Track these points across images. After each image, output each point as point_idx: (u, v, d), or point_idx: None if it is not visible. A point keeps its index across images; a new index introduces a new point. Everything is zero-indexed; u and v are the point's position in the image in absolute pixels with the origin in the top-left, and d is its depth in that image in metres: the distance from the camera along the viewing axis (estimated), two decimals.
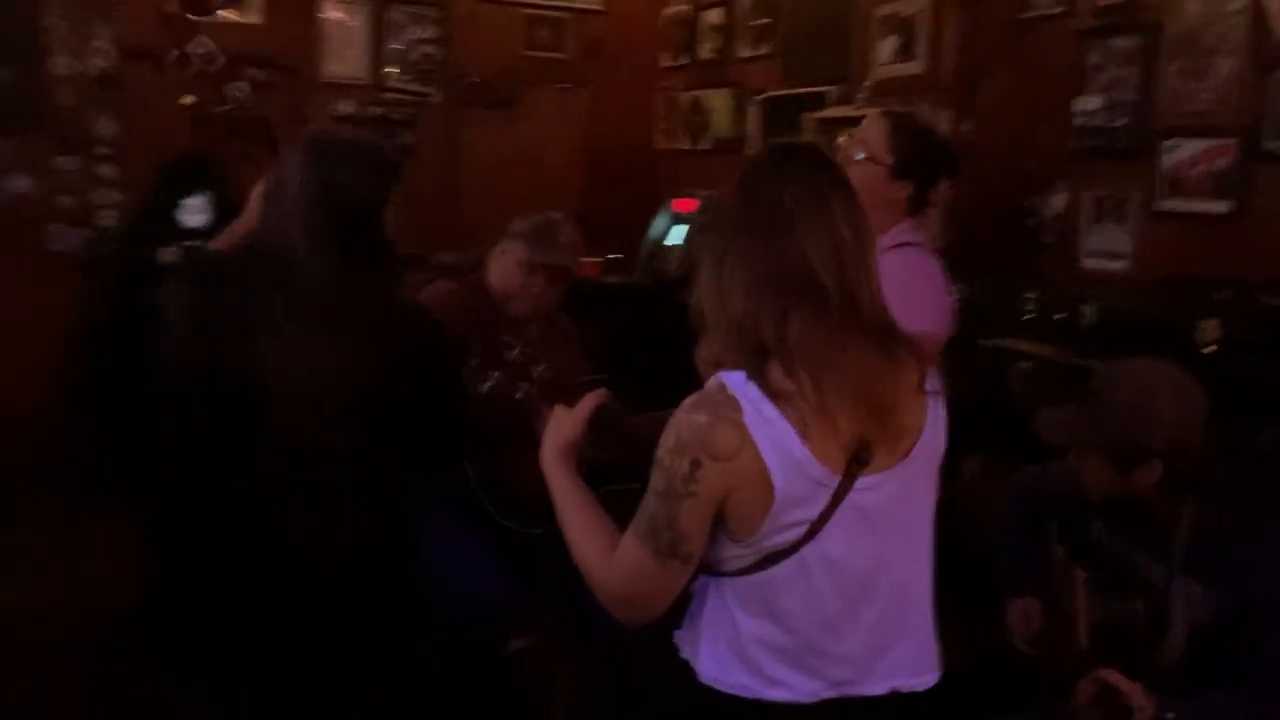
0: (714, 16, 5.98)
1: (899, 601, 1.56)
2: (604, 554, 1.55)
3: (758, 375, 1.45)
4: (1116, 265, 3.78)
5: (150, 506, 2.02)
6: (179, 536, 1.91)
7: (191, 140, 4.67)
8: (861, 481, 1.47)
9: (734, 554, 1.51)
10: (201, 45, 4.80)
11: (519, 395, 1.72)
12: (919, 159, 2.45)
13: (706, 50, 6.07)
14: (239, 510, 1.84)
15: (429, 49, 6.12)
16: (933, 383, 1.55)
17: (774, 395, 1.44)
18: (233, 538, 1.84)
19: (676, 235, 5.48)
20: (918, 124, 2.56)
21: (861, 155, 2.43)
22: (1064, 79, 3.94)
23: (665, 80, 6.49)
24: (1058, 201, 3.98)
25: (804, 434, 1.43)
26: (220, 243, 2.50)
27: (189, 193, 3.97)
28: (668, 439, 1.48)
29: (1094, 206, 3.86)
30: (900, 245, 2.43)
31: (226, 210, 3.42)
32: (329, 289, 1.86)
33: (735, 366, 1.48)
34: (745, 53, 5.72)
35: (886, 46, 4.41)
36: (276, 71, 5.56)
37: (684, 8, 6.26)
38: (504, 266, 2.90)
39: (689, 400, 1.49)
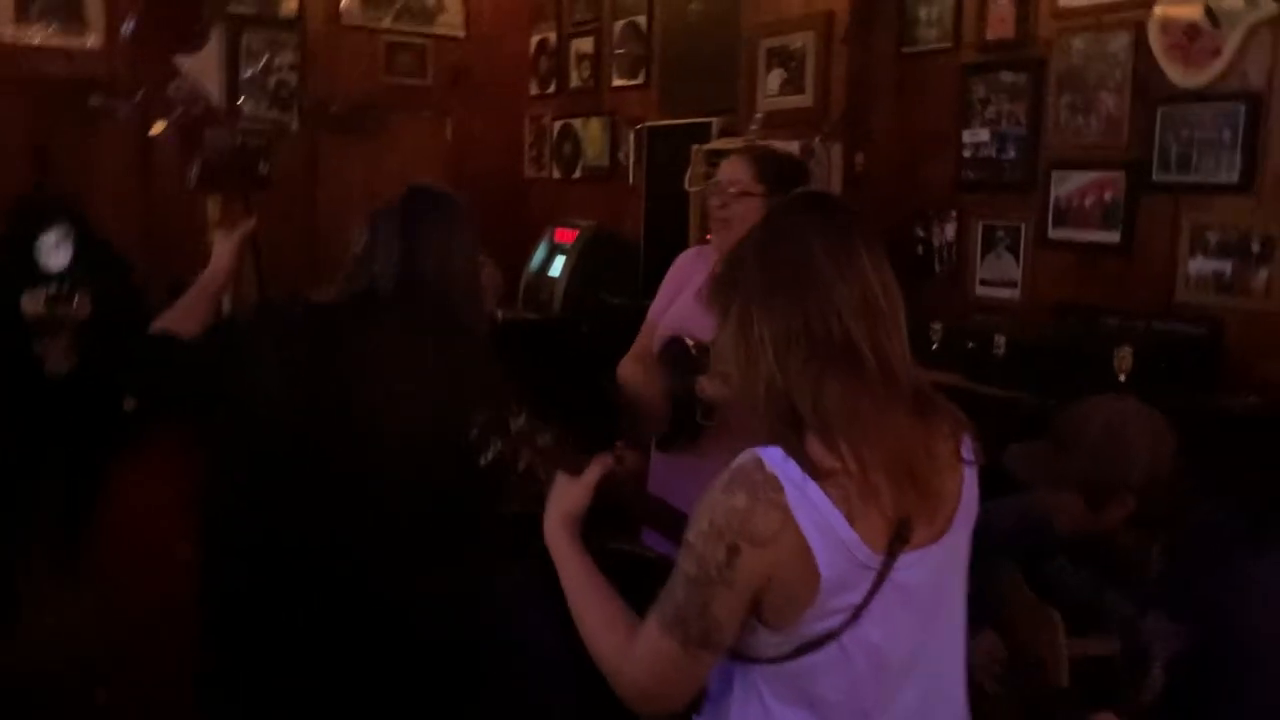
0: (584, 45, 5.93)
1: (938, 681, 1.48)
2: (622, 642, 1.41)
3: (796, 450, 1.34)
4: (1007, 293, 3.88)
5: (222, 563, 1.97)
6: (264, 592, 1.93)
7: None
8: (903, 559, 1.38)
9: (769, 641, 1.39)
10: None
11: (522, 466, 1.61)
12: (786, 182, 2.51)
13: (577, 79, 6.00)
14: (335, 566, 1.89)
15: (286, 75, 5.86)
16: (968, 451, 1.48)
17: (816, 473, 1.33)
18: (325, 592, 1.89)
19: (558, 266, 5.39)
20: (771, 152, 2.70)
21: (735, 190, 2.51)
22: (951, 112, 4.04)
23: (533, 108, 6.40)
24: (949, 231, 4.08)
25: (849, 514, 1.33)
26: (193, 299, 2.31)
27: (45, 230, 3.67)
28: (700, 522, 1.36)
29: (985, 236, 3.96)
30: None
31: (87, 248, 3.18)
32: (443, 336, 2.00)
33: (770, 439, 1.37)
34: (618, 82, 5.68)
35: (774, 79, 4.43)
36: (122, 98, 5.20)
37: (551, 35, 6.18)
38: None
39: (723, 479, 1.36)
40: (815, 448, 1.35)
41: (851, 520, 1.33)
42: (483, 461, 1.62)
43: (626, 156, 5.59)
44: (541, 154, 6.35)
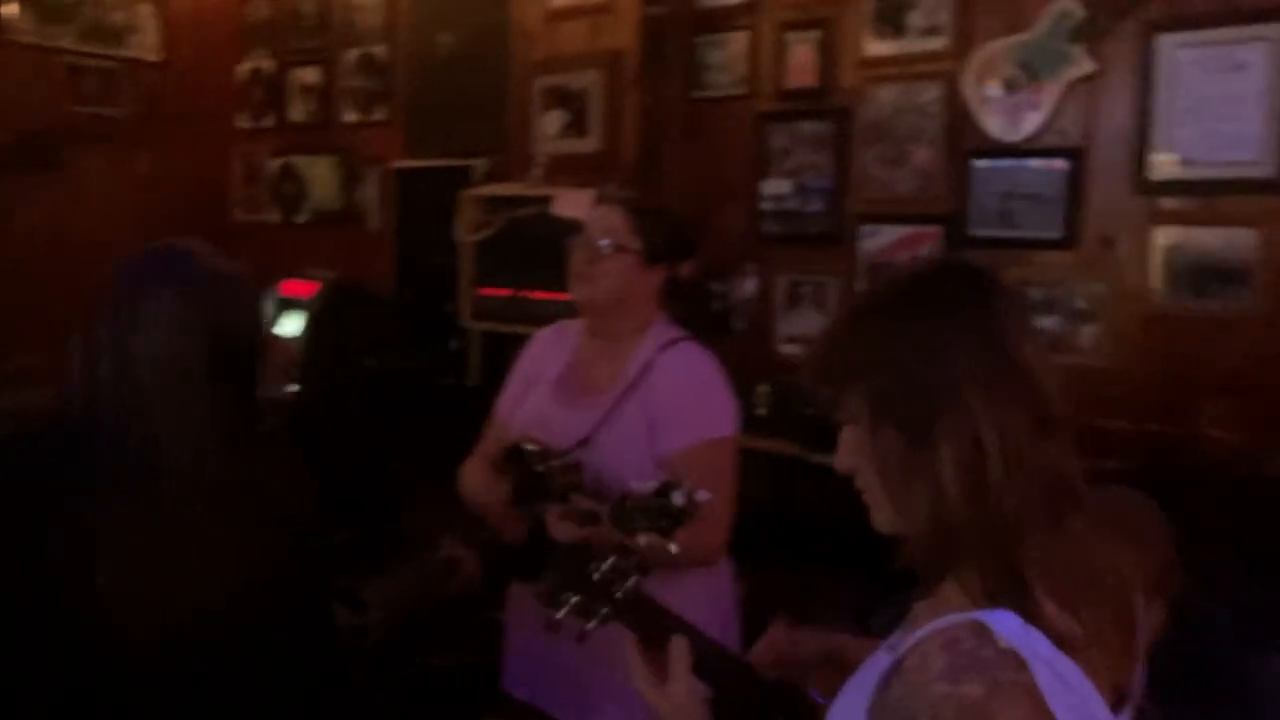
0: (308, 76, 5.32)
1: None
2: None
3: (1035, 613, 1.02)
4: None
5: None
6: None
7: None
8: None
9: None
10: None
11: (593, 625, 1.19)
12: (666, 242, 2.22)
13: (300, 112, 5.38)
14: None
15: None
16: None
17: (1063, 643, 1.02)
18: None
19: (290, 325, 4.73)
20: (651, 204, 2.34)
21: (607, 243, 2.17)
22: (747, 161, 3.85)
23: (244, 144, 5.68)
24: (749, 286, 3.87)
25: (1101, 693, 1.04)
26: None
27: None
28: None
29: (788, 291, 3.78)
30: (673, 342, 2.20)
31: None
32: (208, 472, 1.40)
33: (988, 598, 1.04)
34: (352, 117, 5.13)
35: (552, 120, 4.08)
36: None
37: (266, 64, 5.52)
38: None
39: (941, 664, 1.01)
40: (1052, 609, 1.03)
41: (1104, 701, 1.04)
42: (556, 620, 1.21)
43: (365, 199, 5.03)
44: (255, 195, 5.65)
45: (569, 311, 3.83)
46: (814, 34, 3.66)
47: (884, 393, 1.10)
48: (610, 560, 1.23)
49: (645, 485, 1.72)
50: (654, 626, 1.22)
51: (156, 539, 1.36)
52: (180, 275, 1.50)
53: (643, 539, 1.71)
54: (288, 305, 4.84)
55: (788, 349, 3.77)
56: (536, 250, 3.93)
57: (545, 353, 2.35)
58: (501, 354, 4.26)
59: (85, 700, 1.37)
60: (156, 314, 1.44)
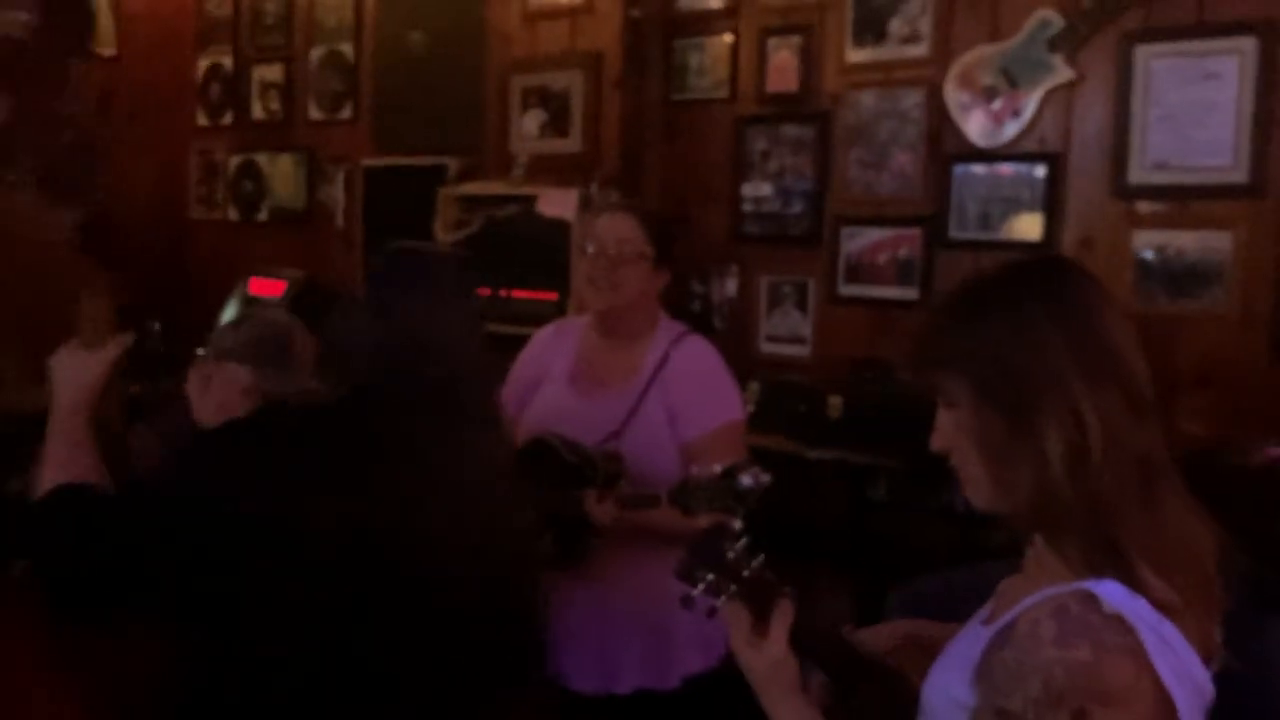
0: (270, 73, 5.26)
1: None
2: None
3: (1136, 582, 1.09)
4: (796, 350, 3.79)
5: None
6: None
7: None
8: None
9: None
10: None
11: (722, 601, 1.25)
12: (667, 246, 2.33)
13: (261, 110, 5.31)
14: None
15: None
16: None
17: (1165, 608, 1.08)
18: None
19: None
20: (653, 210, 2.54)
21: (628, 251, 2.25)
22: (727, 163, 3.91)
23: (202, 141, 5.60)
24: (729, 286, 3.93)
25: (1196, 652, 1.10)
26: (65, 438, 1.61)
27: None
28: (1029, 685, 1.06)
29: (770, 291, 3.85)
30: (681, 336, 2.33)
31: None
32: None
33: (1090, 569, 1.10)
34: (317, 115, 5.08)
35: (530, 120, 4.09)
36: None
37: (226, 60, 5.44)
38: (217, 396, 2.15)
39: (1051, 630, 1.07)
40: (1149, 576, 1.10)
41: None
42: (691, 596, 1.27)
43: (330, 198, 4.99)
44: (213, 192, 5.56)
45: (548, 310, 3.89)
46: (795, 39, 3.73)
47: (987, 378, 1.16)
48: (743, 540, 1.28)
49: (708, 469, 1.83)
50: (769, 603, 1.26)
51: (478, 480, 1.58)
52: (430, 264, 1.73)
53: (704, 519, 1.79)
54: (256, 303, 4.79)
55: (769, 348, 3.84)
56: (516, 249, 3.95)
57: (547, 351, 2.41)
58: None
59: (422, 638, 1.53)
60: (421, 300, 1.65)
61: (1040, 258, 1.32)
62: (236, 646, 1.44)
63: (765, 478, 1.76)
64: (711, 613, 1.28)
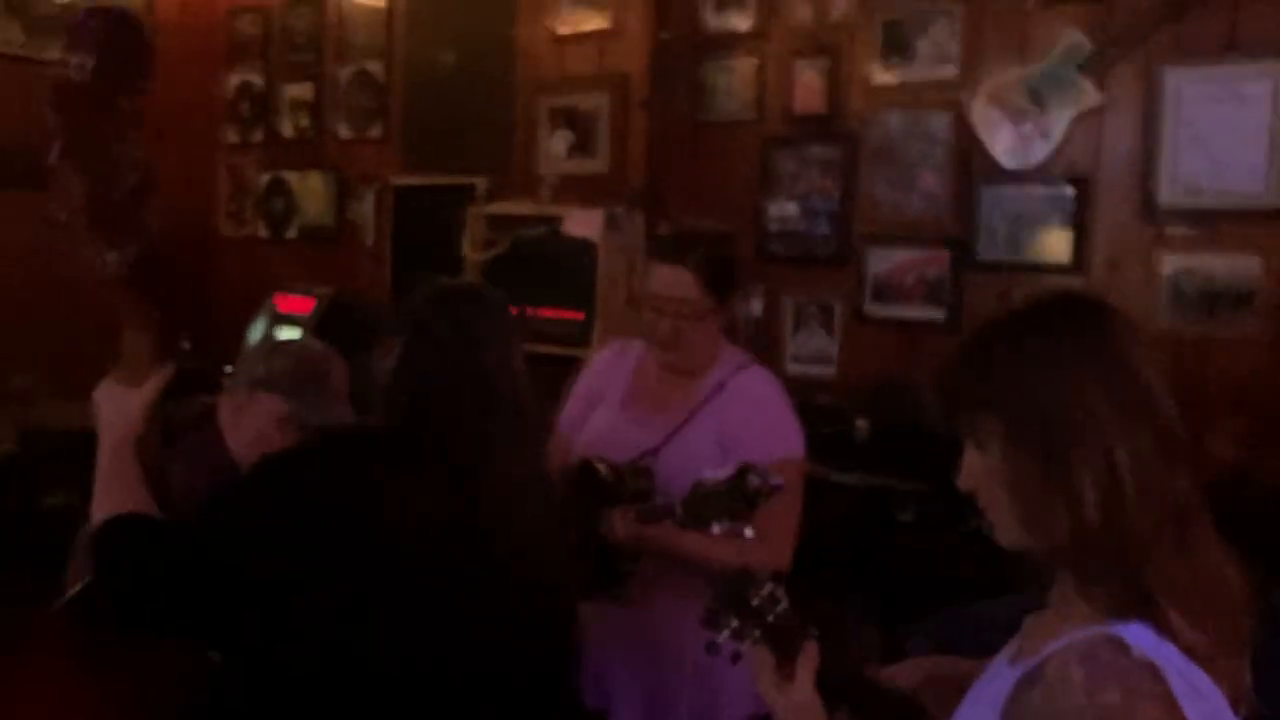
0: (300, 91, 5.31)
1: None
2: None
3: (1166, 626, 1.08)
4: (821, 370, 3.79)
5: None
6: None
7: None
8: None
9: None
10: None
11: (745, 646, 1.24)
12: (728, 285, 2.25)
13: (291, 128, 5.36)
14: None
15: None
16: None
17: (1195, 655, 1.07)
18: None
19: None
20: (709, 252, 2.29)
21: (689, 313, 2.16)
22: (753, 183, 3.92)
23: (232, 158, 5.65)
24: (755, 306, 3.93)
25: (1226, 699, 1.09)
26: (114, 472, 1.66)
27: None
28: None
29: (795, 312, 3.85)
30: (743, 366, 2.26)
31: None
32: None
33: (1119, 611, 1.09)
34: (346, 133, 5.13)
35: (558, 141, 4.12)
36: None
37: (256, 78, 5.50)
38: (253, 427, 2.16)
39: (1080, 675, 1.06)
40: (1181, 624, 1.08)
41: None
42: (715, 643, 1.28)
43: (360, 216, 5.03)
44: (243, 209, 5.62)
45: (574, 329, 3.91)
46: (822, 61, 3.74)
47: (1018, 421, 1.15)
48: (768, 587, 1.28)
49: (720, 471, 1.80)
50: (793, 646, 1.26)
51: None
52: (486, 302, 1.76)
53: (717, 528, 1.78)
54: (284, 320, 4.83)
55: (795, 368, 3.84)
56: (543, 268, 3.97)
57: (607, 372, 2.37)
58: None
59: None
60: (491, 333, 1.69)
61: (1069, 294, 1.28)
62: (286, 669, 1.47)
63: (776, 479, 1.73)
64: (736, 658, 1.29)
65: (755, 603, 1.27)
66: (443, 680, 1.53)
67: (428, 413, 1.62)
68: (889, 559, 3.18)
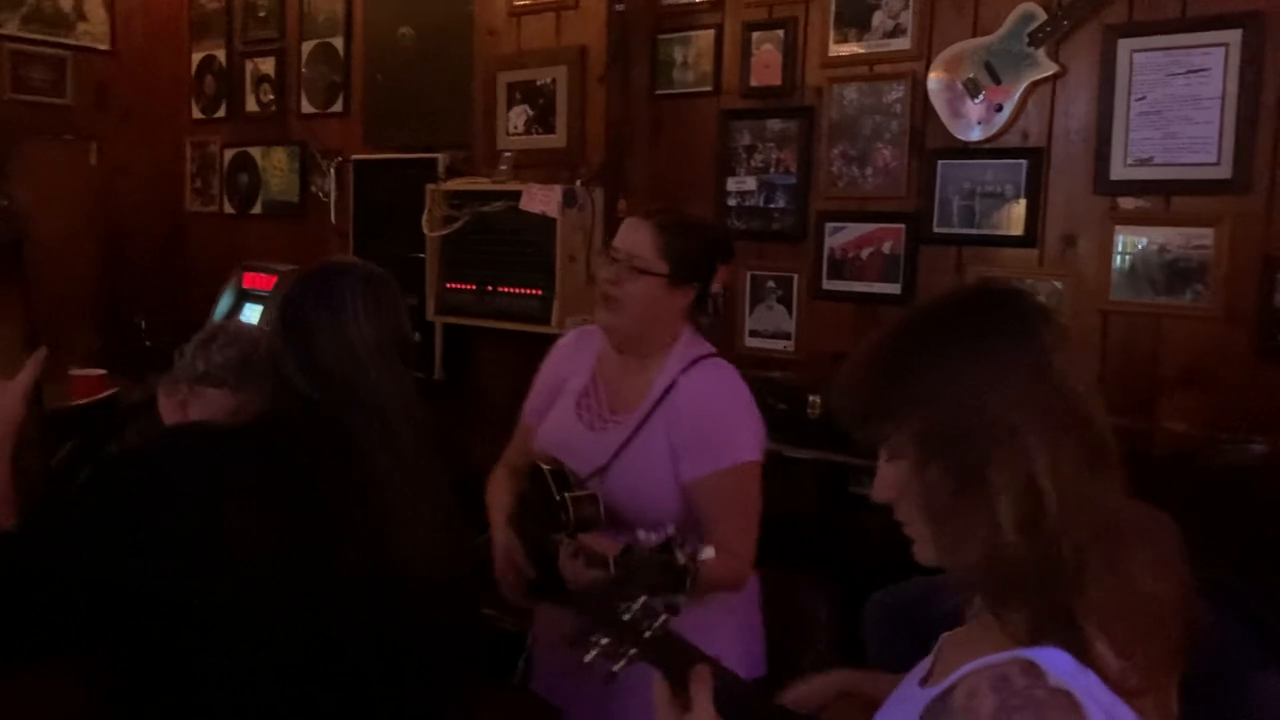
0: (263, 66, 5.25)
1: None
2: None
3: (1089, 654, 0.99)
4: (780, 345, 3.77)
5: None
6: None
7: None
8: None
9: None
10: None
11: (619, 666, 1.18)
12: (697, 261, 2.16)
13: (254, 103, 5.31)
14: None
15: None
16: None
17: (1120, 688, 0.99)
18: None
19: (254, 317, 4.69)
20: (683, 221, 2.23)
21: (634, 264, 2.10)
22: (713, 158, 3.88)
23: (197, 134, 5.60)
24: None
25: None
26: None
27: None
28: None
29: (753, 286, 3.82)
30: (696, 361, 2.17)
31: None
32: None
33: (1037, 636, 1.00)
34: (310, 108, 5.07)
35: (516, 116, 4.07)
36: None
37: (219, 53, 5.44)
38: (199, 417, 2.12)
39: (991, 703, 0.97)
40: (1104, 650, 1.00)
41: None
42: (584, 661, 1.21)
43: (323, 191, 4.99)
44: (208, 185, 5.57)
45: (534, 305, 3.88)
46: (778, 33, 3.69)
47: (933, 432, 1.06)
48: (641, 600, 1.21)
49: (650, 538, 1.68)
50: (681, 663, 1.19)
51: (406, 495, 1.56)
52: (366, 279, 1.69)
53: (646, 600, 1.71)
54: (248, 297, 4.81)
55: (754, 343, 3.82)
56: (503, 245, 3.94)
57: (568, 361, 2.31)
58: (467, 348, 4.27)
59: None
60: (364, 310, 1.62)
61: (990, 289, 1.18)
62: (164, 672, 1.44)
63: (707, 553, 1.58)
64: (610, 679, 1.21)
65: (627, 618, 1.21)
66: (316, 684, 1.50)
67: (294, 398, 1.57)
68: (844, 535, 3.17)
